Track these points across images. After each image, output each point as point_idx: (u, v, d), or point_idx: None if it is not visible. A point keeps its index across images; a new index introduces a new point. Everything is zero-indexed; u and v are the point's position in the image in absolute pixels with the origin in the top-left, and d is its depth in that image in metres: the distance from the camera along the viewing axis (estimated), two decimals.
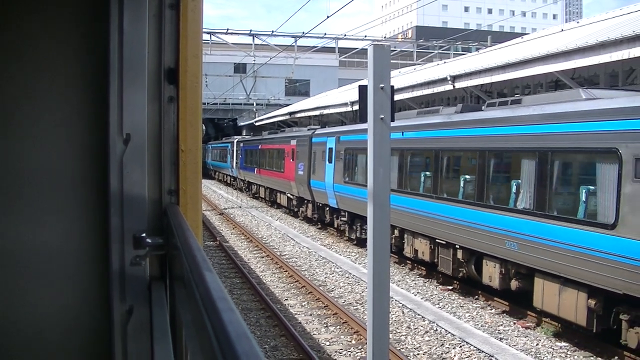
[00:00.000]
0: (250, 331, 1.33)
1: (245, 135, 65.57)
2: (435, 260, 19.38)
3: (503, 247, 15.47)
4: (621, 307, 12.36)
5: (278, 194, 40.70)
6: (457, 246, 17.94)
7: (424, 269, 21.01)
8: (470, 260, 17.67)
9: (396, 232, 21.73)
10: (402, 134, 21.12)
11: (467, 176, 17.65)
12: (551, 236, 13.64)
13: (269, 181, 42.49)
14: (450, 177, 19.08)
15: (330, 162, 28.53)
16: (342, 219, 27.71)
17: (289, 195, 37.23)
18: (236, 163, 57.19)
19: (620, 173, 11.84)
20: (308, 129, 35.63)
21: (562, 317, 13.81)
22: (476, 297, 17.82)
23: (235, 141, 59.01)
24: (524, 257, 14.74)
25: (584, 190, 13.06)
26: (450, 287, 18.93)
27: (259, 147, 46.54)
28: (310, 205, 32.88)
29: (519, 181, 15.22)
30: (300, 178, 33.26)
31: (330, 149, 28.66)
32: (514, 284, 15.58)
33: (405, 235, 21.34)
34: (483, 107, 18.33)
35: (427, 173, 20.05)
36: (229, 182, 65.26)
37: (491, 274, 16.35)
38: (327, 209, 30.01)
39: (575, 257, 12.91)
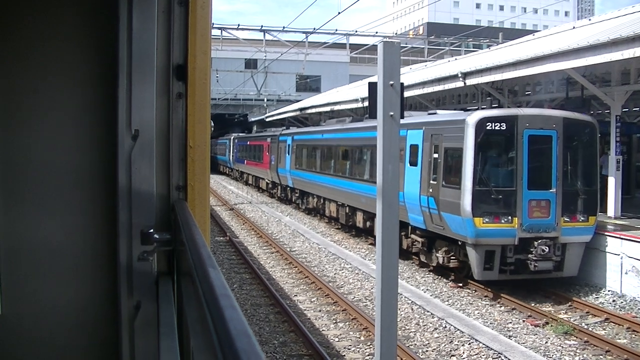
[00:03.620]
0: (251, 329, 1.34)
1: (240, 133, 69.02)
2: (338, 216, 29.46)
3: (360, 203, 25.69)
4: (418, 236, 20.92)
5: (260, 180, 51.47)
6: (346, 205, 27.99)
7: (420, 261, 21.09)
8: (353, 213, 27.18)
9: (320, 200, 32.70)
10: (322, 135, 33.05)
11: (345, 161, 28.98)
12: (371, 192, 21.70)
13: (254, 170, 53.52)
14: (339, 162, 29.87)
15: (288, 154, 38.84)
16: (295, 195, 38.62)
17: (266, 180, 47.73)
18: (232, 156, 66.85)
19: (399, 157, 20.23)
20: (283, 129, 45.68)
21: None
22: (486, 295, 17.80)
23: (232, 138, 67.48)
24: (370, 207, 23.34)
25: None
26: (461, 284, 18.93)
27: (248, 143, 57.26)
28: (279, 187, 43.26)
29: (369, 164, 25.26)
30: (272, 167, 43.86)
31: (289, 145, 39.07)
32: (367, 224, 25.18)
33: (325, 202, 31.73)
34: (364, 119, 28.46)
35: (332, 161, 30.95)
36: (227, 173, 74.06)
37: (359, 220, 26.37)
38: (288, 188, 40.51)
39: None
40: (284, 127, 48.29)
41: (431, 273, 20.71)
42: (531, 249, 17.46)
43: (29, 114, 3.11)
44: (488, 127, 17.72)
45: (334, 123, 33.59)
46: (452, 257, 19.17)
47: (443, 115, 21.54)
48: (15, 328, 3.09)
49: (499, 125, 17.79)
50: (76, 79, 3.18)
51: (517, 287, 18.03)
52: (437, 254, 19.68)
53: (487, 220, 17.43)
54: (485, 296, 17.71)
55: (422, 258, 21.25)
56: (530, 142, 17.83)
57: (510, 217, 17.51)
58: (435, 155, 19.26)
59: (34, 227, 3.12)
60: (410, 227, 21.26)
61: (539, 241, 17.45)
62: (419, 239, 20.85)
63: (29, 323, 3.11)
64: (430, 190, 19.29)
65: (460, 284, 18.83)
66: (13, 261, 3.07)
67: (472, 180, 17.55)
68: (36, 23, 3.10)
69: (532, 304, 16.92)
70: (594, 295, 17.85)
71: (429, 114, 22.45)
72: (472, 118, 17.87)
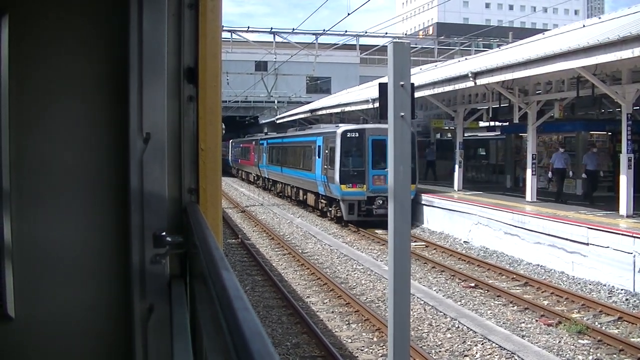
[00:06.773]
0: (265, 331, 1.34)
1: (238, 138, 74.30)
2: (291, 195, 42.12)
3: (299, 183, 39.14)
4: (322, 199, 34.24)
5: (249, 175, 64.91)
6: (295, 187, 40.66)
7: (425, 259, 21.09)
8: (298, 191, 39.98)
9: (282, 185, 45.53)
10: (282, 139, 46.48)
11: (292, 157, 41.02)
12: (305, 176, 36.72)
13: (245, 167, 67.17)
14: (292, 158, 41.12)
15: (265, 153, 51.87)
16: (269, 183, 51.76)
17: (253, 174, 61.79)
18: (231, 156, 78.50)
19: (314, 153, 34.55)
20: (263, 135, 60.59)
21: (311, 205, 36.67)
22: (499, 295, 17.75)
23: (231, 141, 77.71)
24: (303, 185, 38.13)
25: (311, 160, 35.04)
26: (473, 285, 18.90)
27: (241, 145, 69.56)
28: (261, 179, 56.65)
29: (302, 158, 38.23)
30: (255, 163, 57.34)
31: (265, 147, 52.17)
32: (304, 197, 38.19)
33: (285, 186, 44.59)
34: (306, 128, 43.07)
35: (288, 157, 42.69)
36: (228, 171, 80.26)
37: (301, 195, 39.30)
38: (265, 179, 53.73)
39: (310, 182, 35.49)
40: (265, 133, 63.52)
41: (443, 274, 20.71)
42: (374, 203, 29.65)
43: (39, 116, 3.11)
44: (348, 135, 30.83)
45: (293, 130, 47.69)
46: (337, 209, 31.78)
47: (332, 127, 34.78)
48: (28, 331, 3.10)
49: (355, 134, 30.94)
50: (87, 82, 3.18)
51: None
52: (330, 209, 32.90)
53: (349, 186, 30.16)
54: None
55: (327, 213, 33.74)
56: (373, 143, 30.01)
57: (362, 184, 30.12)
58: (327, 151, 32.06)
59: (46, 229, 3.12)
60: (320, 195, 34.29)
61: (377, 197, 29.45)
62: (324, 202, 34.03)
63: (41, 325, 3.12)
64: (325, 171, 31.98)
65: (472, 285, 18.86)
66: (25, 264, 3.07)
67: (339, 164, 30.34)
68: (47, 26, 3.11)
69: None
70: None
71: (336, 126, 34.58)
72: (340, 130, 31.11)
